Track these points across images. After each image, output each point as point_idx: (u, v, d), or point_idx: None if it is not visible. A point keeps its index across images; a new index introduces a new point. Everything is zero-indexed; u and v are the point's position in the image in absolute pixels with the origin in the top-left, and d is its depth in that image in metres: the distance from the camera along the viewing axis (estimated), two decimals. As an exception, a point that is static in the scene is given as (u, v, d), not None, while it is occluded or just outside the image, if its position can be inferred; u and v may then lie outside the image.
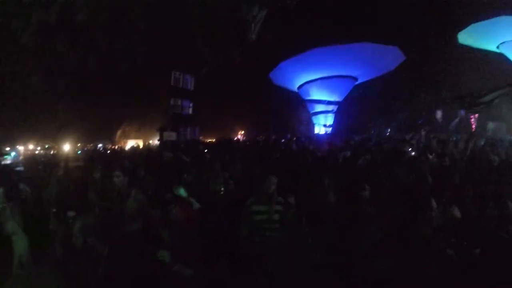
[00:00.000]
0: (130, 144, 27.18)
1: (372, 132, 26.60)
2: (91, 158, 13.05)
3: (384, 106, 29.13)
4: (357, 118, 29.39)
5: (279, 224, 5.68)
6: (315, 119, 31.78)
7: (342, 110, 31.08)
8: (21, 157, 20.59)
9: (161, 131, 28.92)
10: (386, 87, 28.12)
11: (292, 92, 31.05)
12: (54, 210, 6.78)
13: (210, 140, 27.67)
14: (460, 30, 23.09)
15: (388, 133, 26.83)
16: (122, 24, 8.29)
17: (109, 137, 29.15)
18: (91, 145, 25.75)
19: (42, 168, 12.33)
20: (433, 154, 9.72)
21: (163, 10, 8.79)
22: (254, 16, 8.47)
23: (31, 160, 17.82)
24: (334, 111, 31.15)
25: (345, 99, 30.72)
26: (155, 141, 29.03)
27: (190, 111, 33.73)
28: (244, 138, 31.49)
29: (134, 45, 8.48)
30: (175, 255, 4.80)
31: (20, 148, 23.34)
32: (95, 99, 21.27)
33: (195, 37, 9.05)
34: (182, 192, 6.10)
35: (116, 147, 25.70)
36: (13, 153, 21.52)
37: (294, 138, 19.95)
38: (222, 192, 7.10)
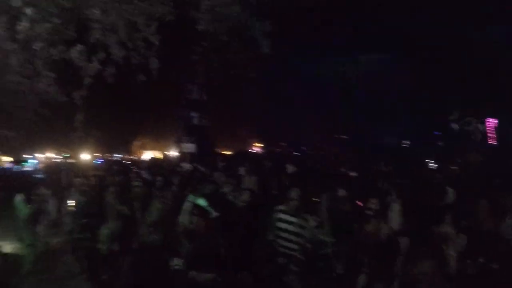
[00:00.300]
0: (146, 155, 27.59)
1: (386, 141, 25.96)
2: (111, 168, 13.34)
3: (380, 106, 28.01)
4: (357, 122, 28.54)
5: (300, 237, 5.90)
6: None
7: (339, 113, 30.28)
8: (40, 165, 21.27)
9: (180, 142, 29.30)
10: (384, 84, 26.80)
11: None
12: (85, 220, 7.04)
13: (226, 151, 27.92)
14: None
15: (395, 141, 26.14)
16: (137, 39, 8.71)
17: (126, 148, 29.61)
18: (109, 155, 26.26)
19: (62, 175, 12.73)
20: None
21: (176, 25, 9.20)
22: (265, 29, 8.79)
23: (52, 167, 18.41)
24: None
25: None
26: (171, 152, 29.48)
27: (205, 122, 34.08)
28: (261, 150, 31.78)
29: (148, 59, 8.87)
30: (192, 262, 4.98)
31: (39, 156, 23.99)
32: (112, 111, 21.70)
33: (208, 51, 9.40)
34: (201, 201, 6.27)
35: (134, 157, 26.13)
36: (32, 161, 22.21)
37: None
38: (240, 203, 7.28)
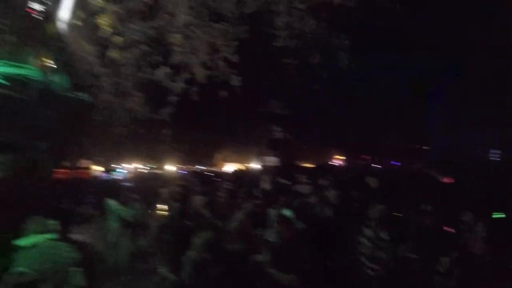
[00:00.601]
0: (228, 167, 28.31)
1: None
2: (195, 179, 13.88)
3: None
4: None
5: (382, 252, 5.88)
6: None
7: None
8: (129, 174, 22.68)
9: (262, 155, 29.75)
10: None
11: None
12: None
13: (308, 164, 27.89)
14: None
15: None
16: (217, 59, 9.24)
17: (209, 160, 30.61)
18: (192, 167, 27.36)
19: (150, 185, 13.57)
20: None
21: (255, 43, 9.62)
22: (342, 43, 8.89)
23: (139, 177, 19.64)
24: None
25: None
26: (253, 164, 30.04)
27: (287, 135, 34.19)
28: (342, 162, 31.46)
29: (229, 76, 9.35)
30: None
31: (128, 166, 25.57)
32: (196, 125, 22.61)
33: (288, 66, 9.64)
34: (286, 212, 6.37)
35: (217, 169, 26.94)
36: (121, 170, 23.74)
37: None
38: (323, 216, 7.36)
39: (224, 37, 9.18)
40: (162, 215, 9.07)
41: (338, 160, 34.63)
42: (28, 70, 6.79)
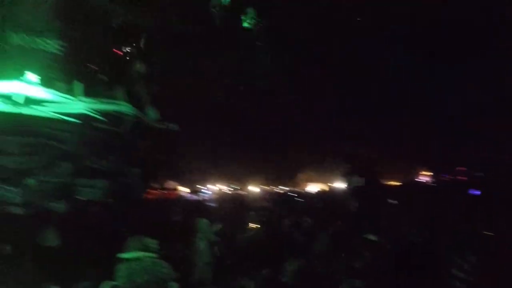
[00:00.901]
0: (311, 187, 28.18)
1: None
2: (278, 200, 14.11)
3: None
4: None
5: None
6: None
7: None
8: (213, 195, 23.49)
9: (344, 175, 29.28)
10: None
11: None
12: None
13: (392, 182, 27.07)
14: None
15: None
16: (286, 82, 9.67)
17: (292, 181, 30.67)
18: (275, 187, 27.62)
19: (234, 205, 14.01)
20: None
21: (336, 63, 9.96)
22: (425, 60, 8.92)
23: (223, 197, 20.30)
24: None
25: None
26: (336, 184, 29.63)
27: (370, 154, 33.38)
28: (430, 178, 30.05)
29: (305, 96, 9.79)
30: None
31: (212, 187, 26.42)
32: (279, 145, 22.95)
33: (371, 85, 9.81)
34: (371, 237, 6.38)
35: (300, 190, 26.97)
36: (206, 191, 24.61)
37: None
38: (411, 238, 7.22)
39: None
40: (247, 235, 9.36)
41: (425, 176, 33.09)
42: (120, 106, 7.60)
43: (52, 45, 8.46)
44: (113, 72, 8.62)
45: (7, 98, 6.93)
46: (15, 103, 6.87)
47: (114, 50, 8.76)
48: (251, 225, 9.80)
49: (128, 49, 8.85)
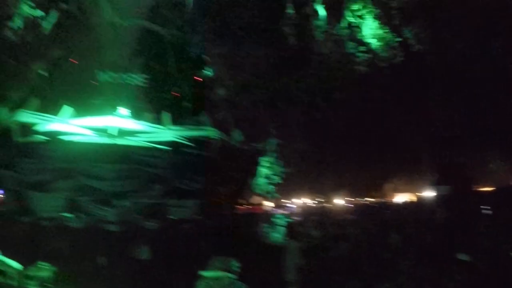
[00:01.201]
0: (398, 198, 27.40)
1: None
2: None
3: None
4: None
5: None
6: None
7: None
8: (297, 209, 23.74)
9: (434, 183, 28.20)
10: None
11: None
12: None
13: (485, 188, 25.56)
14: None
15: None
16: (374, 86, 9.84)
17: (378, 191, 30.02)
18: (361, 199, 27.24)
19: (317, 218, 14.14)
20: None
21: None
22: None
23: (307, 211, 20.48)
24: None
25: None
26: (426, 193, 28.57)
27: (462, 159, 31.75)
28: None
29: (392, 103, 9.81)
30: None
31: (296, 201, 26.67)
32: (363, 155, 22.70)
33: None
34: (463, 256, 6.20)
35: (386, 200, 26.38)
36: (290, 205, 24.91)
37: None
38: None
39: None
40: (334, 250, 9.46)
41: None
42: (206, 131, 8.28)
43: (137, 79, 9.35)
44: (196, 99, 9.33)
45: (103, 131, 7.79)
46: (110, 135, 7.69)
47: (195, 77, 9.45)
48: (337, 239, 9.90)
49: (207, 75, 9.52)
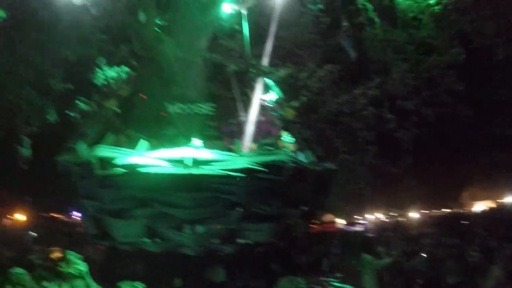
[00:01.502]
0: (477, 206, 26.25)
1: None
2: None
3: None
4: None
5: None
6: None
7: None
8: (370, 225, 23.45)
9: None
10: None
11: None
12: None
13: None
14: None
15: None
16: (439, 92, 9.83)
17: (454, 201, 28.93)
18: (437, 210, 26.42)
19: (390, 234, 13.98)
20: None
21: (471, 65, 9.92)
22: None
23: (380, 227, 20.18)
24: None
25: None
26: (506, 200, 27.21)
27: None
28: None
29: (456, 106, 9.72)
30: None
31: (369, 217, 26.38)
32: (435, 165, 22.17)
33: None
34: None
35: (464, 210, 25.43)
36: (363, 222, 24.66)
37: None
38: None
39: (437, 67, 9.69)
40: (411, 266, 9.38)
41: None
42: (279, 155, 8.59)
43: (205, 109, 9.88)
44: (263, 123, 9.73)
45: (179, 162, 8.27)
46: (186, 166, 8.16)
47: (260, 101, 9.84)
48: (413, 254, 9.81)
49: (272, 99, 9.90)
